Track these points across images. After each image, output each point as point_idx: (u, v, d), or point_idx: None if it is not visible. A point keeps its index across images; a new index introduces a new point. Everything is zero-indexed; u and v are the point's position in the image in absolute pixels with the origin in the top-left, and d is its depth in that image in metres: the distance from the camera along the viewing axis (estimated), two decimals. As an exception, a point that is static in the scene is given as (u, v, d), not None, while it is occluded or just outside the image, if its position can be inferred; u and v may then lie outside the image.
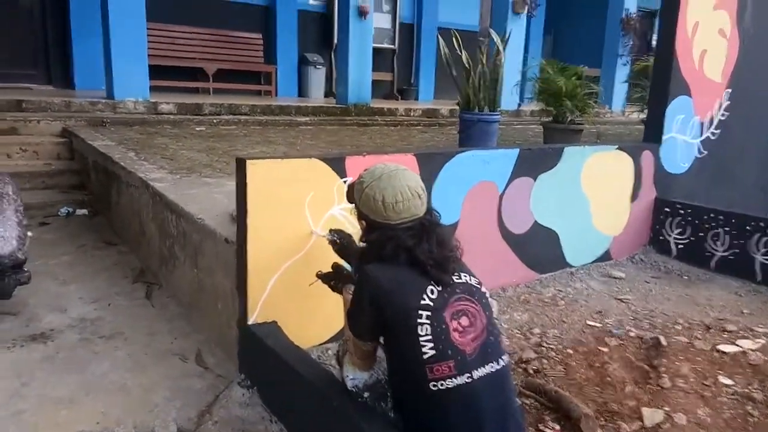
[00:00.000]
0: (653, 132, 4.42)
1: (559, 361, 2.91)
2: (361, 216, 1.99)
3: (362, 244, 2.03)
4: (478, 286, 1.93)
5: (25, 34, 8.80)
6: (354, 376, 2.07)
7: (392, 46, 12.38)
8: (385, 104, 10.08)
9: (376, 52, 10.54)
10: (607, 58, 11.87)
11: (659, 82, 4.37)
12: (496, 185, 3.45)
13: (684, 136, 4.55)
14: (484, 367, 1.82)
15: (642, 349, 3.02)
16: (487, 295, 1.96)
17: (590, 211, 4.03)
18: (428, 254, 1.84)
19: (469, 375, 1.77)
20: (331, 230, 2.59)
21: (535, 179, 3.64)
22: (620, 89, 11.51)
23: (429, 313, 1.78)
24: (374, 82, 9.81)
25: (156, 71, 8.63)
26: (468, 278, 1.92)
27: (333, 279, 2.38)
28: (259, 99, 9.89)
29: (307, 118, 8.56)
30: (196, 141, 6.11)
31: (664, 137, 4.42)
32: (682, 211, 4.29)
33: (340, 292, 2.32)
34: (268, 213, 2.62)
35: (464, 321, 1.83)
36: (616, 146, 4.09)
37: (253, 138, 6.59)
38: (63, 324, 3.23)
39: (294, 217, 2.71)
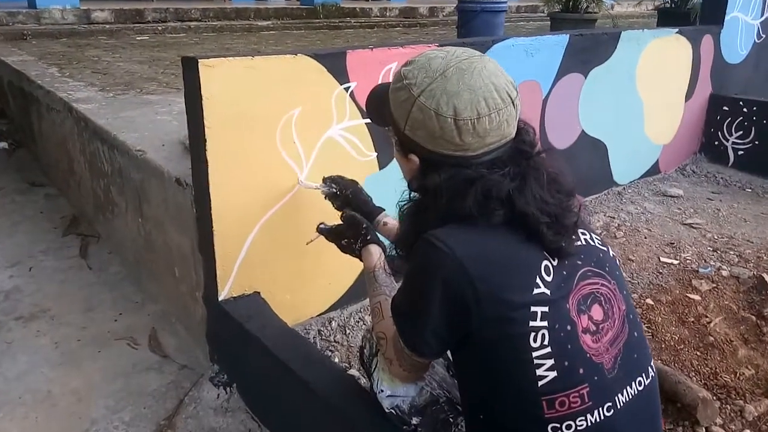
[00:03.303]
0: (713, 10, 3.53)
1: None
2: (408, 147, 1.12)
3: (405, 203, 1.18)
4: (606, 249, 1.15)
5: None
6: (394, 392, 1.31)
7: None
8: (357, 4, 8.91)
9: (342, -57, 9.21)
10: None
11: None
12: (539, 86, 2.58)
13: (745, 16, 3.69)
14: (630, 386, 1.07)
15: (741, 292, 2.32)
16: (618, 261, 1.18)
17: (643, 115, 3.21)
18: (541, 205, 1.03)
19: (610, 404, 1.03)
20: (325, 179, 1.76)
21: (586, 76, 2.78)
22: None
23: (546, 309, 1.00)
24: (342, -20, 8.60)
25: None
26: (589, 237, 1.13)
27: (345, 236, 1.55)
28: (211, 3, 8.61)
29: (269, 22, 7.42)
30: (136, 51, 5.05)
31: (727, 17, 3.54)
32: (745, 110, 3.50)
33: (357, 255, 1.52)
34: (238, 139, 1.75)
35: (596, 313, 1.06)
36: (676, 30, 3.22)
37: (206, 45, 5.55)
38: (-36, 303, 2.38)
39: (276, 144, 1.84)
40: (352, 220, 1.55)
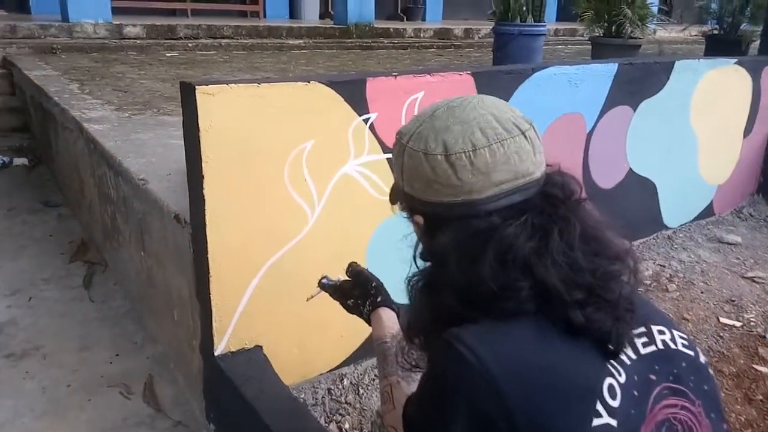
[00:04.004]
0: (775, 40, 3.26)
1: None
2: (410, 206, 0.88)
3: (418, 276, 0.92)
4: (693, 353, 0.85)
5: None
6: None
7: (396, -42, 10.91)
8: (391, 25, 8.77)
9: (378, -37, 9.12)
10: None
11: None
12: (583, 119, 2.33)
13: (810, 46, 3.40)
14: None
15: (814, 364, 2.01)
16: (710, 369, 0.89)
17: (697, 152, 2.93)
18: (569, 275, 0.76)
19: None
20: (348, 271, 1.35)
21: (635, 109, 2.52)
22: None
23: None
24: (376, 1, 8.46)
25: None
26: (670, 338, 0.84)
27: (350, 295, 1.32)
28: (244, 20, 8.58)
29: (301, 41, 7.31)
30: (163, 68, 4.95)
31: (790, 46, 3.27)
32: (809, 148, 3.19)
33: (365, 319, 1.28)
34: (240, 175, 1.56)
35: (673, 448, 0.78)
36: (735, 60, 2.94)
37: (235, 64, 5.42)
38: (-47, 336, 2.22)
39: (284, 181, 1.64)
40: (358, 276, 1.31)
